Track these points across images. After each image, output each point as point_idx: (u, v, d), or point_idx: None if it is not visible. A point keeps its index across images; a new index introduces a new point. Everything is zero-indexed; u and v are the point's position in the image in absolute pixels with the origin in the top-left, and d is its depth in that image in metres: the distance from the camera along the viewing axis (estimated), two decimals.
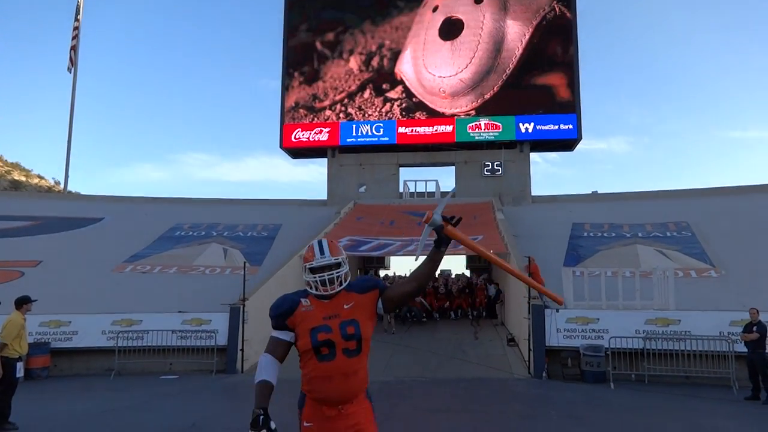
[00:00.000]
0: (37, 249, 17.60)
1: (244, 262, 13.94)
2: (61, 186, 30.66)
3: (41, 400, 9.78)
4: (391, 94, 25.67)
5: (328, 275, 2.79)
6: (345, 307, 2.78)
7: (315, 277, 2.80)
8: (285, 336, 2.80)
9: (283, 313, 2.79)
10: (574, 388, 10.98)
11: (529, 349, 12.16)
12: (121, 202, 24.76)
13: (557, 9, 24.95)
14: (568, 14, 25.05)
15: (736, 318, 11.08)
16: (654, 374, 11.33)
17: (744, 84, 75.01)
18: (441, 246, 2.74)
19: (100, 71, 75.85)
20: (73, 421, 8.06)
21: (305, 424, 2.76)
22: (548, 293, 2.97)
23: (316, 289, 2.81)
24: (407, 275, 3.02)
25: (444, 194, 25.41)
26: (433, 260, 2.82)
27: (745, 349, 10.27)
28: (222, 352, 12.71)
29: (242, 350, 12.66)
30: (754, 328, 10.07)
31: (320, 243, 2.90)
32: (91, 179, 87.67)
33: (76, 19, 29.73)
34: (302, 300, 2.82)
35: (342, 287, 2.83)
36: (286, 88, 26.35)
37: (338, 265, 2.83)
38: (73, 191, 29.58)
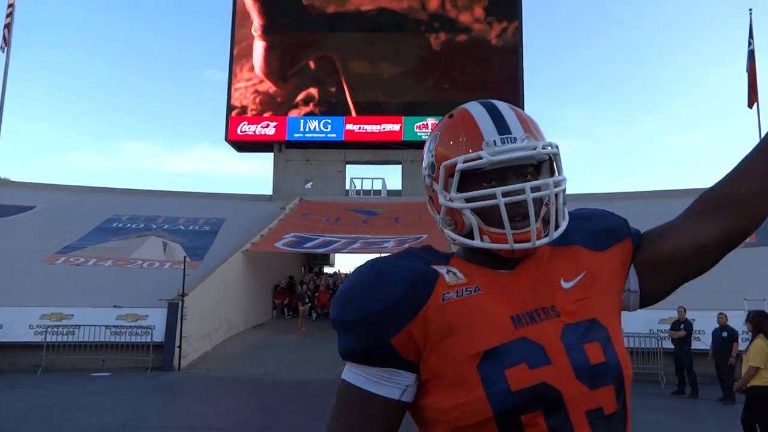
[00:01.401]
0: None
1: (185, 257, 13.64)
2: None
3: None
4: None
5: (533, 189, 0.98)
6: (564, 285, 1.02)
7: (493, 199, 0.99)
8: (390, 389, 0.96)
9: (385, 310, 0.94)
10: None
11: None
12: (54, 190, 23.55)
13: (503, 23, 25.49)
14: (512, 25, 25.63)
15: (665, 316, 11.60)
16: None
17: (677, 90, 78.89)
18: None
19: (36, 52, 72.27)
20: None
21: None
22: None
23: (483, 238, 1.00)
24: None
25: (390, 193, 25.32)
26: None
27: (673, 346, 10.79)
28: (158, 349, 12.33)
29: (180, 347, 12.32)
30: (681, 326, 10.59)
31: (492, 105, 1.12)
32: (25, 165, 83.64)
33: None
34: (443, 272, 1.00)
35: (558, 232, 1.02)
36: (232, 81, 25.82)
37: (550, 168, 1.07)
38: (2, 177, 27.94)
